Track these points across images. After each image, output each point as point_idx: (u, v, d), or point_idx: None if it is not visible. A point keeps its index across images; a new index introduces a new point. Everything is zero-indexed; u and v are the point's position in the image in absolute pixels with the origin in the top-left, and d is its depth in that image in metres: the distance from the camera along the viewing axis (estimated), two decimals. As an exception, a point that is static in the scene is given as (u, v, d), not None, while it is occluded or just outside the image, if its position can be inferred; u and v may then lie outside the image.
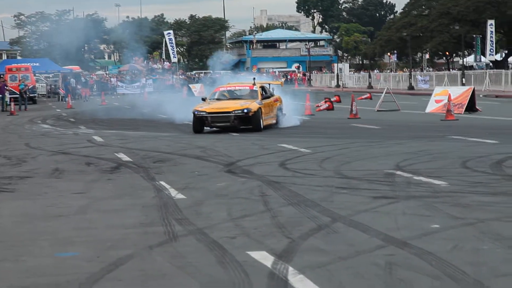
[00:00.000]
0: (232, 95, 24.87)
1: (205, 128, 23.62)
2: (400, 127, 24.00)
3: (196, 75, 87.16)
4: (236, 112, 23.10)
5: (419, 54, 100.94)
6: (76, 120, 33.24)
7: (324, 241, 8.28)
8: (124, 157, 17.33)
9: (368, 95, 49.02)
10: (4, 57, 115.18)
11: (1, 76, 57.48)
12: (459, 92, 30.33)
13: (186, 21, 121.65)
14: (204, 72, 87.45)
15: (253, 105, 23.31)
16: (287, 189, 11.88)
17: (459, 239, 8.14)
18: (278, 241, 8.26)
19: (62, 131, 26.96)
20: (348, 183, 12.37)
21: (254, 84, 24.88)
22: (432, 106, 31.14)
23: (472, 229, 8.66)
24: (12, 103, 42.13)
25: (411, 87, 64.27)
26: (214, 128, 23.63)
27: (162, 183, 12.91)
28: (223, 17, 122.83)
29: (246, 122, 23.22)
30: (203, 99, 24.69)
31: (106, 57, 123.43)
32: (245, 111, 23.09)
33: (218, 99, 24.47)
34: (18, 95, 46.04)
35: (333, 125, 25.51)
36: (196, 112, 23.37)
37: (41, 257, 7.98)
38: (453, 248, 7.76)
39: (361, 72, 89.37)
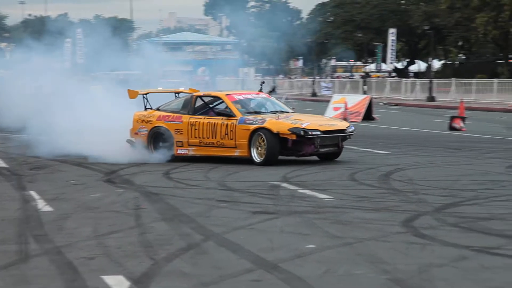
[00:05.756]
0: (262, 107, 16.93)
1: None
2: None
3: (105, 76, 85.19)
4: (349, 130, 16.22)
5: (324, 61, 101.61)
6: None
7: (190, 263, 7.65)
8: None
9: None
10: None
11: None
12: (356, 100, 30.20)
13: (91, 21, 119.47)
14: (116, 73, 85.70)
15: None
16: (164, 202, 11.22)
17: (333, 261, 7.63)
18: (140, 263, 7.59)
19: None
20: (230, 195, 11.78)
21: (261, 90, 17.90)
22: (330, 114, 30.80)
23: (348, 250, 8.18)
24: None
25: (314, 94, 64.41)
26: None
27: (32, 193, 12.06)
28: (130, 18, 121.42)
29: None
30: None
31: (8, 56, 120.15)
32: (352, 128, 16.54)
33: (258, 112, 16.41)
34: None
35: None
36: (302, 132, 15.31)
37: None
38: (325, 272, 7.24)
39: (266, 77, 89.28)
